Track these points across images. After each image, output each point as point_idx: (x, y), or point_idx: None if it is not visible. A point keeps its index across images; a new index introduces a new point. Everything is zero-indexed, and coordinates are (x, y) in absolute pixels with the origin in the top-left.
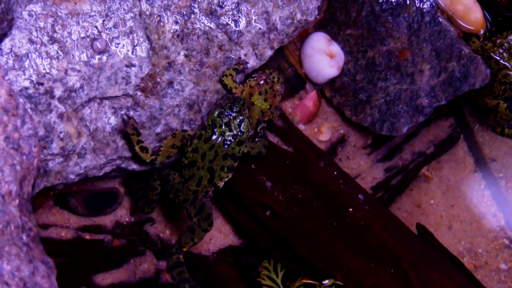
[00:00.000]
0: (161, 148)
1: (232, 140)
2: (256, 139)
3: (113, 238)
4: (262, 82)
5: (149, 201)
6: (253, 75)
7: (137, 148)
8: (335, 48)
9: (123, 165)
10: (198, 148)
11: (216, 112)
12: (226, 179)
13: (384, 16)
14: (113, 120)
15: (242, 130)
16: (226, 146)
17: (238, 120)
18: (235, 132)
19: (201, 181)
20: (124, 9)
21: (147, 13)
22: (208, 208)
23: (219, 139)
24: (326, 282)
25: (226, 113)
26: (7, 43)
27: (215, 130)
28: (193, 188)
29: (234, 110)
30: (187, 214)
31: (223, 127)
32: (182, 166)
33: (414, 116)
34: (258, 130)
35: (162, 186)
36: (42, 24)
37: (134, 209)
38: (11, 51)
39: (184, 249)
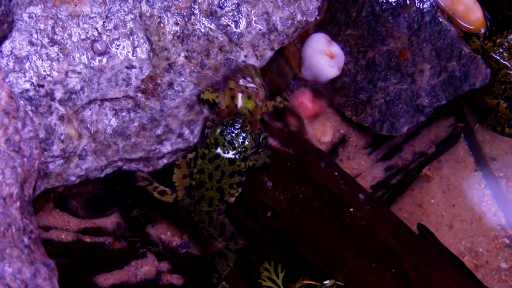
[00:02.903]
0: (175, 184)
1: (237, 157)
2: (260, 150)
3: (114, 241)
4: (240, 81)
5: (145, 216)
6: (230, 76)
7: (156, 195)
8: (335, 49)
9: (124, 166)
10: (204, 169)
11: (218, 131)
12: (237, 194)
13: (384, 16)
14: (114, 122)
15: (246, 146)
16: (231, 164)
17: (241, 138)
18: (239, 149)
19: (212, 201)
20: (124, 11)
21: (147, 14)
22: (228, 226)
23: (224, 158)
24: (327, 282)
25: (228, 131)
26: (7, 45)
27: (219, 149)
28: (206, 209)
29: (236, 127)
30: (208, 234)
31: (226, 145)
32: (190, 187)
33: (415, 116)
34: (260, 141)
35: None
36: (42, 26)
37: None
38: (11, 53)
39: (223, 276)
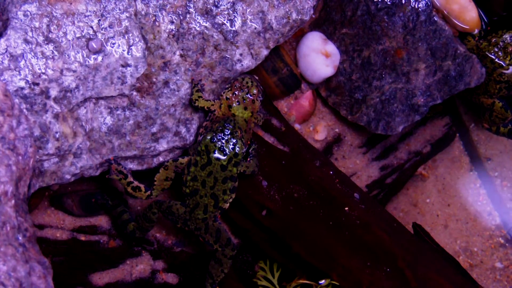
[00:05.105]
0: (155, 183)
1: (229, 163)
2: (249, 159)
3: (109, 239)
4: (237, 91)
5: (143, 229)
6: (227, 86)
7: (129, 190)
8: (331, 48)
9: None
10: (197, 176)
11: (208, 137)
12: (231, 200)
13: (380, 15)
14: (109, 120)
15: (237, 152)
16: (223, 170)
17: (231, 144)
18: (230, 155)
19: (207, 208)
20: (119, 9)
21: (143, 12)
22: (224, 232)
23: (215, 165)
24: (322, 282)
25: (218, 137)
26: (2, 43)
27: (210, 156)
28: (201, 216)
29: (226, 133)
30: (204, 241)
31: (217, 152)
32: (183, 194)
33: (410, 115)
34: (250, 151)
35: (166, 217)
36: (37, 24)
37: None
38: (6, 51)
39: (217, 282)
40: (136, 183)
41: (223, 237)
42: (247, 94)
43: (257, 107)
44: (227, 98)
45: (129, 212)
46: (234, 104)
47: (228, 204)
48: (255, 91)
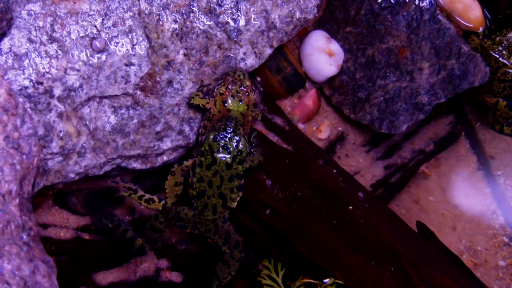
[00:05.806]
0: (166, 190)
1: (233, 161)
2: (252, 150)
3: None
4: (230, 85)
5: (152, 241)
6: (219, 81)
7: (143, 203)
8: (335, 46)
9: (123, 164)
10: (203, 177)
11: (211, 137)
12: (238, 199)
13: (383, 14)
14: (113, 119)
15: (241, 149)
16: (229, 169)
17: (235, 141)
18: (234, 153)
19: (215, 208)
20: (123, 8)
21: (146, 12)
22: (233, 234)
23: (220, 163)
24: (327, 281)
25: (221, 136)
26: (6, 42)
27: (214, 155)
28: (211, 218)
29: (229, 131)
30: (213, 243)
31: (221, 150)
32: (190, 197)
33: (414, 113)
34: (252, 140)
35: (174, 224)
36: (41, 24)
37: (133, 208)
38: (10, 51)
39: (223, 283)
40: (147, 195)
41: (232, 239)
42: (240, 87)
43: (252, 100)
44: (220, 94)
45: (131, 229)
46: (228, 99)
47: (235, 203)
48: (248, 83)
